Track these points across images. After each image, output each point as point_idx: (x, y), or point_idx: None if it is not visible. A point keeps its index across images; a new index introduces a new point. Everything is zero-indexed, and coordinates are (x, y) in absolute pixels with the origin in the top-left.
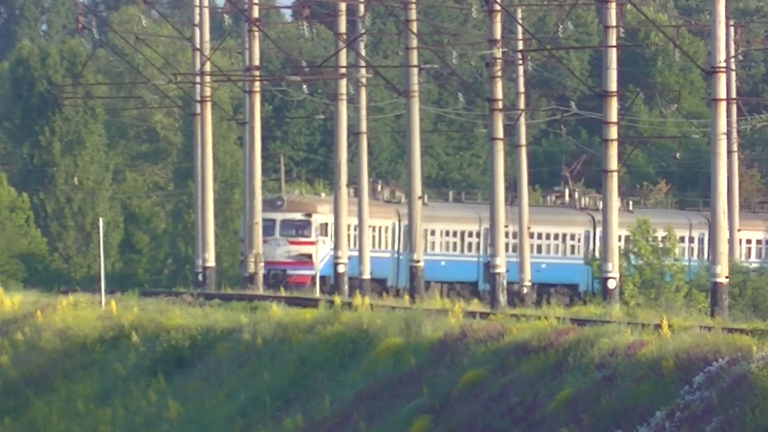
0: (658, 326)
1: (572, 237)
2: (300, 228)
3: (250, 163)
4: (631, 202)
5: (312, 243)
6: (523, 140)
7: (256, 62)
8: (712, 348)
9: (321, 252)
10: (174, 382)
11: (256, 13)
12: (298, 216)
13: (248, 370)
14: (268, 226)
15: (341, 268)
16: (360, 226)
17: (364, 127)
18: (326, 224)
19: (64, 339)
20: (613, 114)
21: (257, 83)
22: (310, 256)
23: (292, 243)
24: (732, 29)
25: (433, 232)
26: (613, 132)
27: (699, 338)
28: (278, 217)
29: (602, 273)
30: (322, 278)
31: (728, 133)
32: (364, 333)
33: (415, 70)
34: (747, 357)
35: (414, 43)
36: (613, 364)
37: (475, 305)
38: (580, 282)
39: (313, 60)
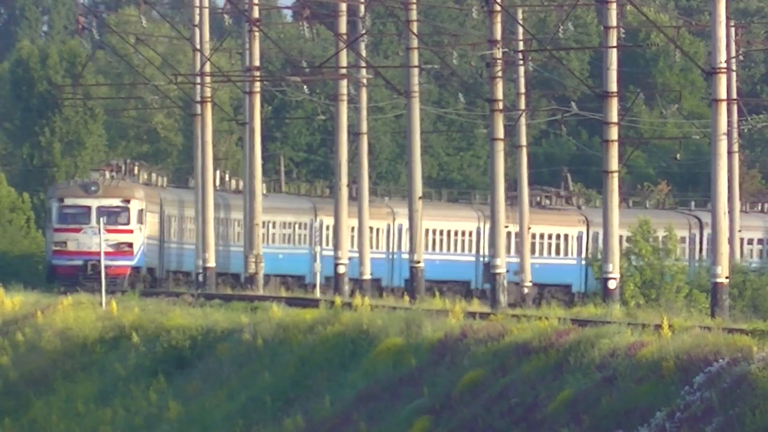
0: (659, 327)
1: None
2: (118, 215)
3: (251, 164)
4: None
5: (131, 231)
6: (523, 141)
7: (256, 63)
8: (712, 348)
9: (138, 241)
10: (174, 382)
11: (256, 14)
12: (115, 202)
13: (249, 370)
14: (82, 213)
15: (341, 269)
16: (360, 227)
17: (364, 127)
18: (142, 210)
19: (65, 339)
20: (614, 114)
21: (257, 84)
22: (130, 245)
23: (110, 231)
24: (732, 30)
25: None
26: (614, 133)
27: (699, 339)
28: (94, 203)
29: (603, 273)
30: (136, 269)
31: (729, 134)
32: (365, 333)
33: (416, 71)
34: (747, 357)
35: (414, 43)
36: (613, 365)
37: (476, 305)
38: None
39: (313, 60)
